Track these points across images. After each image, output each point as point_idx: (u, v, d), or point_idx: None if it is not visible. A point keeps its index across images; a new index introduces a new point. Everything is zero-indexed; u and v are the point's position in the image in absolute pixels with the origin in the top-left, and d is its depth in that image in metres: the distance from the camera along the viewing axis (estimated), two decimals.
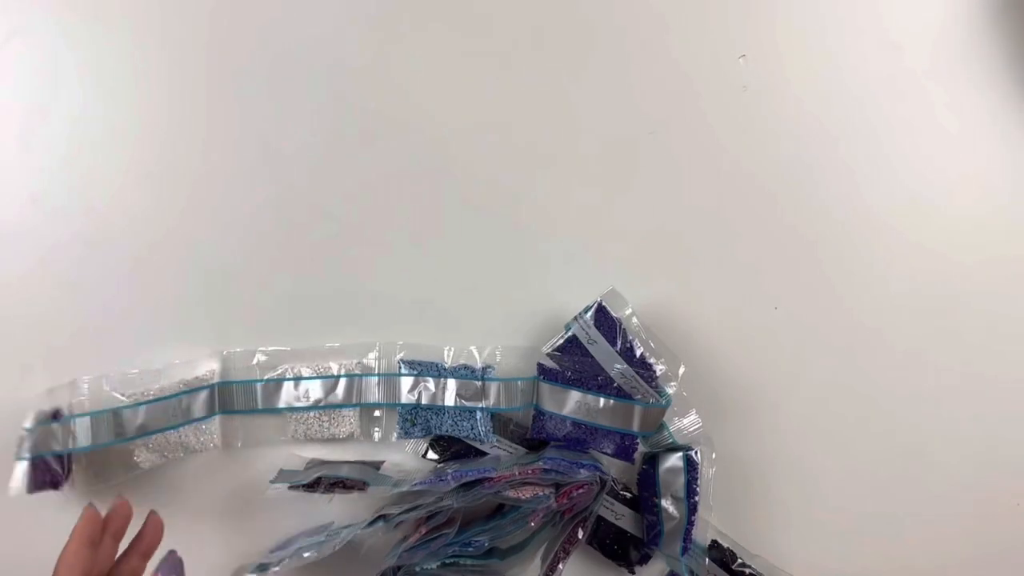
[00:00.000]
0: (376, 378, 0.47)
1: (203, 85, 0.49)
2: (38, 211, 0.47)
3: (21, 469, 0.42)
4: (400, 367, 0.47)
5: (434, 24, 0.50)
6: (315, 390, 0.47)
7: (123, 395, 0.44)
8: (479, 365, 0.48)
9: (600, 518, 0.48)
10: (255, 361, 0.47)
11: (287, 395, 0.47)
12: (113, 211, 0.48)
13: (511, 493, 0.44)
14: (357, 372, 0.47)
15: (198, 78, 0.49)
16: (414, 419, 0.47)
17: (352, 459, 0.48)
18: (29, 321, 0.47)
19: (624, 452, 0.46)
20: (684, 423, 0.47)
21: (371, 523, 0.44)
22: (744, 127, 0.51)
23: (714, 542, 0.48)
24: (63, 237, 0.47)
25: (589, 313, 0.46)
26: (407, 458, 0.48)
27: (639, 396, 0.45)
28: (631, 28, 0.50)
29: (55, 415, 0.44)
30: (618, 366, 0.46)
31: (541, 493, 0.44)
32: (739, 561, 0.48)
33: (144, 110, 0.48)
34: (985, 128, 0.51)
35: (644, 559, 0.48)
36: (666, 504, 0.46)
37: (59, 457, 0.43)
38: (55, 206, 0.47)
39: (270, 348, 0.47)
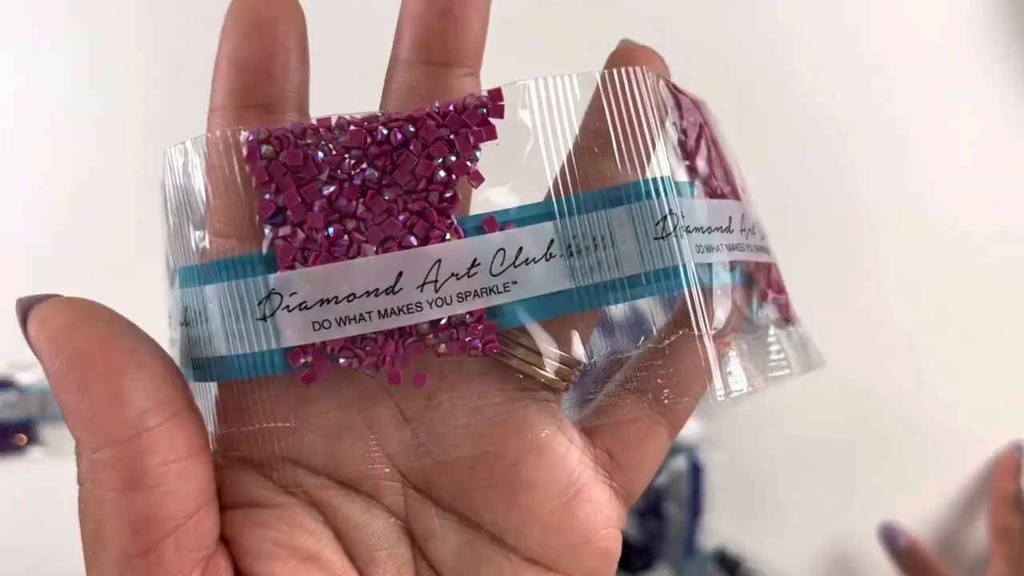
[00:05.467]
0: None
1: (195, 80, 0.48)
2: (25, 207, 0.47)
3: None
4: None
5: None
6: None
7: None
8: None
9: None
10: None
11: None
12: (100, 206, 0.47)
13: None
14: None
15: (189, 72, 0.48)
16: None
17: None
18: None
19: None
20: (687, 426, 0.46)
21: None
22: (746, 126, 0.49)
23: (718, 547, 0.48)
24: (48, 234, 0.47)
25: None
26: None
27: None
28: (633, 25, 0.50)
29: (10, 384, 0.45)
30: None
31: None
32: (744, 566, 0.47)
33: (134, 105, 0.48)
34: (996, 127, 0.51)
35: (647, 565, 0.47)
36: (669, 508, 0.45)
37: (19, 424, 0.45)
38: (40, 202, 0.47)
39: None
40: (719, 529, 0.48)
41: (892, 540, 0.47)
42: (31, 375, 0.45)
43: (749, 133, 0.50)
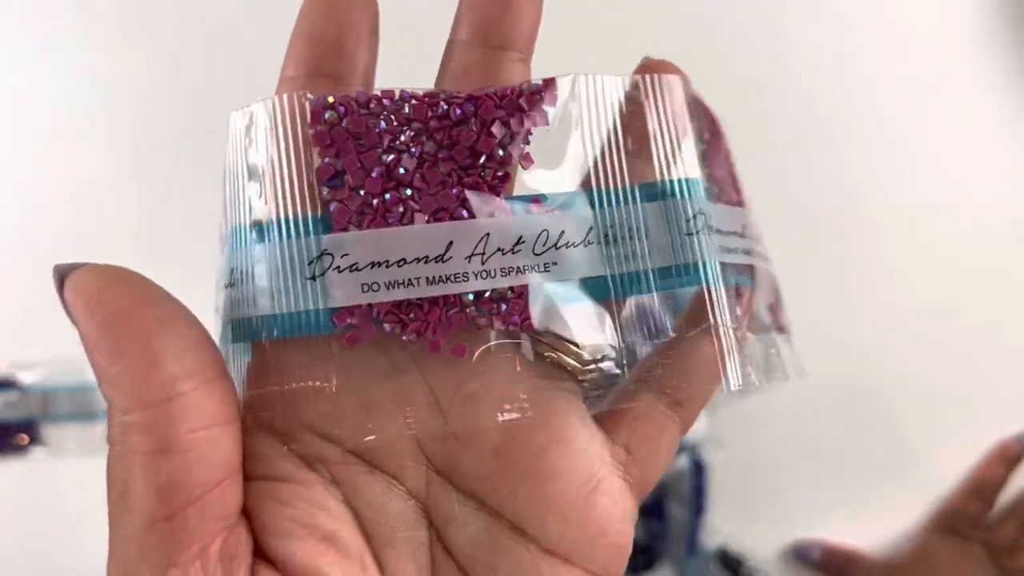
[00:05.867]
0: None
1: (193, 78, 0.48)
2: (23, 207, 0.47)
3: None
4: None
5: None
6: None
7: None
8: None
9: None
10: None
11: None
12: (100, 206, 0.47)
13: None
14: None
15: (189, 72, 0.48)
16: None
17: None
18: (21, 318, 0.46)
19: None
20: None
21: None
22: (746, 126, 0.49)
23: (721, 546, 0.48)
24: (48, 234, 0.46)
25: None
26: None
27: None
28: (633, 26, 0.50)
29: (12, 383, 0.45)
30: None
31: None
32: (746, 565, 0.47)
33: (134, 105, 0.48)
34: (996, 127, 0.51)
35: (649, 564, 0.47)
36: (671, 507, 0.45)
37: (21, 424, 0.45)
38: (40, 202, 0.47)
39: None
40: (721, 528, 0.48)
41: (805, 557, 0.47)
42: (33, 375, 0.45)
43: (749, 133, 0.50)
